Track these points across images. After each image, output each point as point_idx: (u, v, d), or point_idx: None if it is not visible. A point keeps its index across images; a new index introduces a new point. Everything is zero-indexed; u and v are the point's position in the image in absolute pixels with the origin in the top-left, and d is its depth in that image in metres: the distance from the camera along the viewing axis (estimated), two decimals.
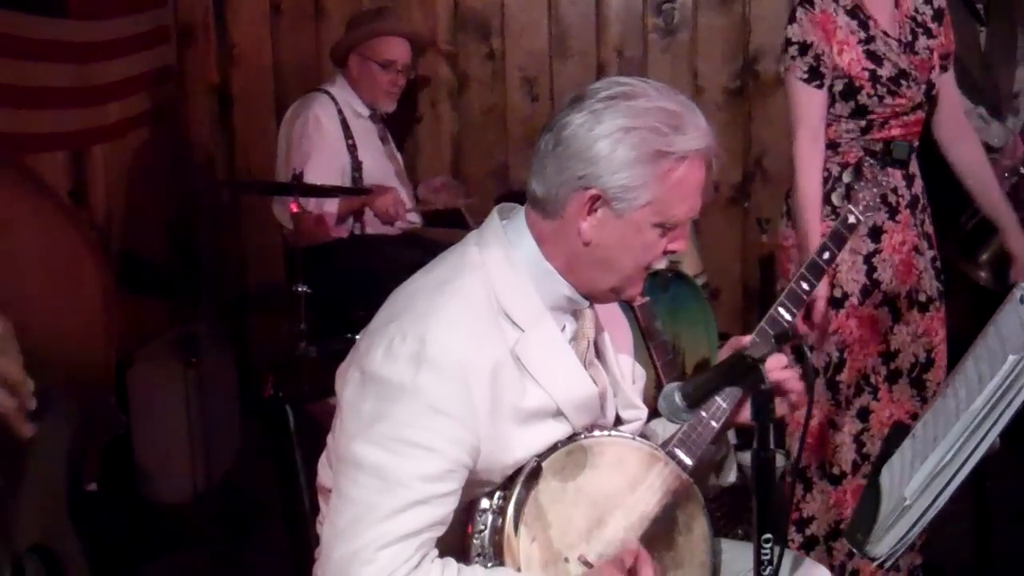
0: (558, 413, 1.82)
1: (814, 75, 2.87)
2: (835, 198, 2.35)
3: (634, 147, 1.72)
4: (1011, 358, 1.55)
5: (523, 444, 1.79)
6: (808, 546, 3.05)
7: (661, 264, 1.85)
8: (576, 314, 1.90)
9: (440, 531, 1.73)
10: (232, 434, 4.17)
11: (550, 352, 1.81)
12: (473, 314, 1.75)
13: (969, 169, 3.03)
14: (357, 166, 4.08)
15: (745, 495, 2.70)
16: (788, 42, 2.90)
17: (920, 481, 1.60)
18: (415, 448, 1.68)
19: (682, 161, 1.74)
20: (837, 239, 2.25)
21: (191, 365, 3.86)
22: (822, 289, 2.81)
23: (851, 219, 2.29)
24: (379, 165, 4.19)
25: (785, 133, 4.60)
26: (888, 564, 1.63)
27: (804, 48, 2.87)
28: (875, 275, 2.94)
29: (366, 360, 1.74)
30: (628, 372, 2.06)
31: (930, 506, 1.60)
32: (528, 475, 1.78)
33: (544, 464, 1.80)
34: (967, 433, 1.58)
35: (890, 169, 2.83)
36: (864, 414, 3.00)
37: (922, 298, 2.98)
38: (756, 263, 4.65)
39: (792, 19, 2.90)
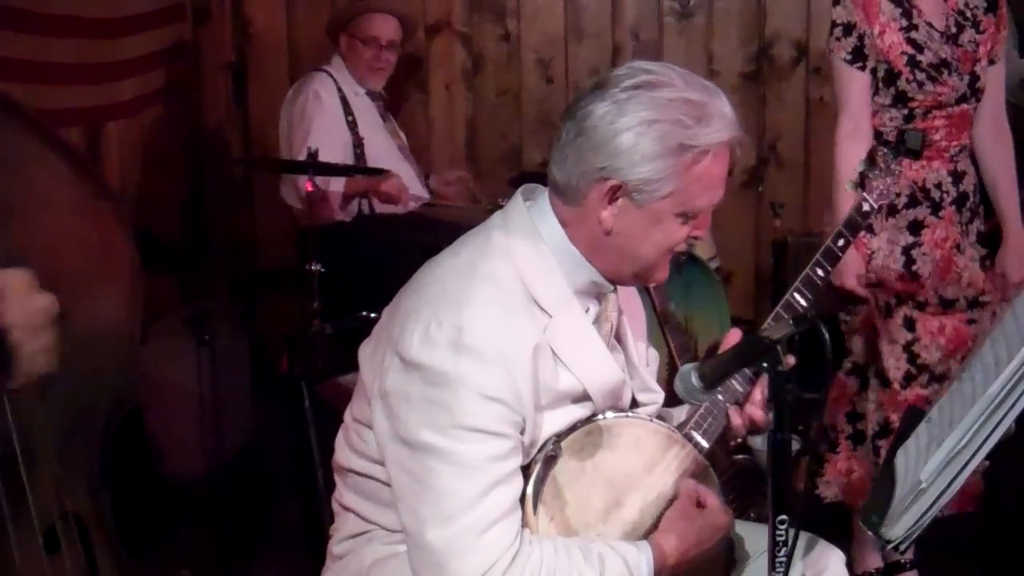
0: (584, 397, 1.82)
1: (857, 56, 2.87)
2: (848, 185, 2.34)
3: (657, 140, 1.70)
4: None
5: (550, 426, 1.79)
6: (857, 438, 3.07)
7: (683, 248, 1.84)
8: (599, 297, 1.89)
9: (520, 511, 1.73)
10: (244, 411, 4.18)
11: (578, 337, 1.80)
12: (507, 299, 1.74)
13: (993, 170, 3.00)
14: (359, 142, 4.12)
15: (758, 478, 2.71)
16: (833, 24, 2.91)
17: (936, 464, 1.60)
18: (476, 433, 1.68)
19: (705, 154, 1.72)
20: (851, 227, 2.24)
21: (203, 342, 3.85)
22: (853, 265, 2.83)
23: (865, 207, 2.28)
24: (381, 141, 4.22)
25: (799, 119, 4.74)
26: (903, 547, 1.63)
27: (848, 29, 2.88)
28: (913, 267, 2.92)
29: (401, 346, 1.72)
30: (644, 355, 2.07)
31: (945, 489, 1.60)
32: (547, 454, 1.78)
33: (563, 444, 1.80)
34: (983, 417, 1.58)
35: (902, 159, 2.82)
36: (910, 323, 2.96)
37: (957, 295, 2.96)
38: (769, 247, 4.65)
39: (836, 1, 2.91)
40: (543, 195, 1.84)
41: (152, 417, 3.77)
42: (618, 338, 1.97)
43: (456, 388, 1.68)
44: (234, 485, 3.84)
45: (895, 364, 2.97)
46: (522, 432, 1.73)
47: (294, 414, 2.09)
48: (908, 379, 2.97)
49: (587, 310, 1.85)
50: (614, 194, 1.74)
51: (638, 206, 1.74)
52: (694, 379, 1.70)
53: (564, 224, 1.81)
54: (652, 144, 1.70)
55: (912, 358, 2.96)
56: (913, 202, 2.92)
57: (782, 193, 4.72)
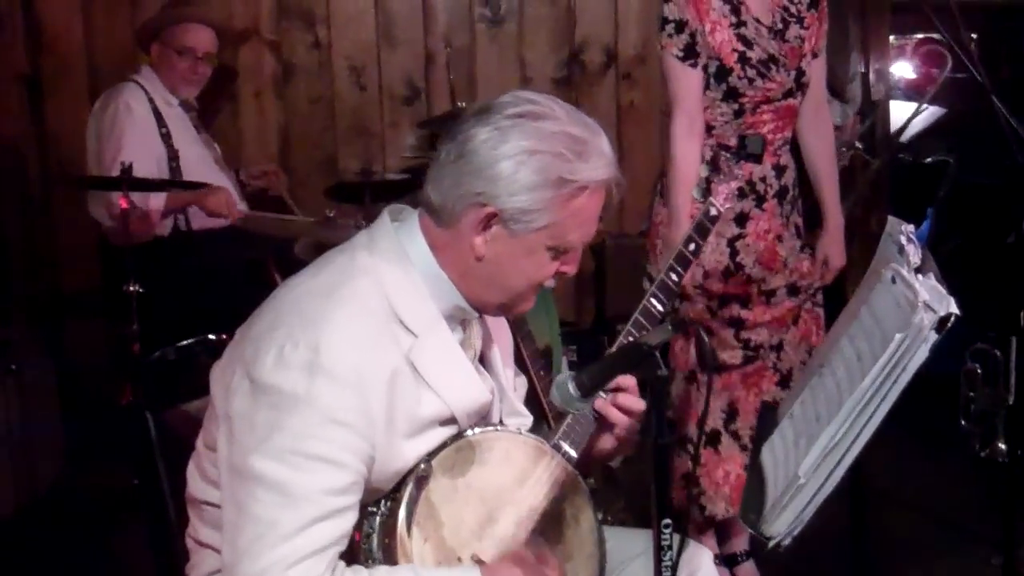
0: (451, 420, 1.79)
1: (690, 53, 2.90)
2: (695, 192, 2.39)
3: (537, 171, 1.70)
4: (897, 336, 1.59)
5: (415, 452, 1.75)
6: (712, 440, 3.09)
7: (551, 284, 1.84)
8: (464, 323, 1.87)
9: (344, 544, 1.67)
10: (55, 444, 3.96)
11: (445, 358, 1.78)
12: (367, 320, 1.69)
13: (815, 159, 3.11)
14: (173, 155, 3.97)
15: (613, 483, 2.73)
16: (664, 20, 2.92)
17: (814, 459, 1.63)
18: (316, 461, 1.62)
19: (583, 190, 1.72)
20: (701, 231, 2.29)
21: (8, 373, 3.64)
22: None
23: (712, 211, 2.33)
24: (196, 154, 4.08)
25: (610, 124, 4.82)
26: (786, 543, 1.66)
27: (680, 26, 2.89)
28: (737, 258, 2.99)
29: (254, 368, 1.66)
30: (511, 381, 2.06)
31: (824, 483, 1.64)
32: (419, 475, 1.74)
33: (434, 463, 1.76)
34: (857, 411, 1.62)
35: (744, 163, 2.88)
36: (737, 322, 3.03)
37: (779, 284, 3.05)
38: (588, 250, 4.69)
39: None
40: (412, 216, 1.82)
41: None
42: (485, 363, 1.95)
43: (304, 411, 1.62)
44: (47, 521, 3.63)
45: (732, 354, 3.05)
46: (370, 463, 1.68)
47: (142, 446, 1.97)
48: (748, 361, 3.07)
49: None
50: (488, 221, 1.73)
51: (512, 235, 1.73)
52: (571, 388, 1.70)
53: (434, 247, 1.78)
54: (532, 174, 1.70)
55: (745, 344, 3.05)
56: (740, 195, 2.99)
57: None
